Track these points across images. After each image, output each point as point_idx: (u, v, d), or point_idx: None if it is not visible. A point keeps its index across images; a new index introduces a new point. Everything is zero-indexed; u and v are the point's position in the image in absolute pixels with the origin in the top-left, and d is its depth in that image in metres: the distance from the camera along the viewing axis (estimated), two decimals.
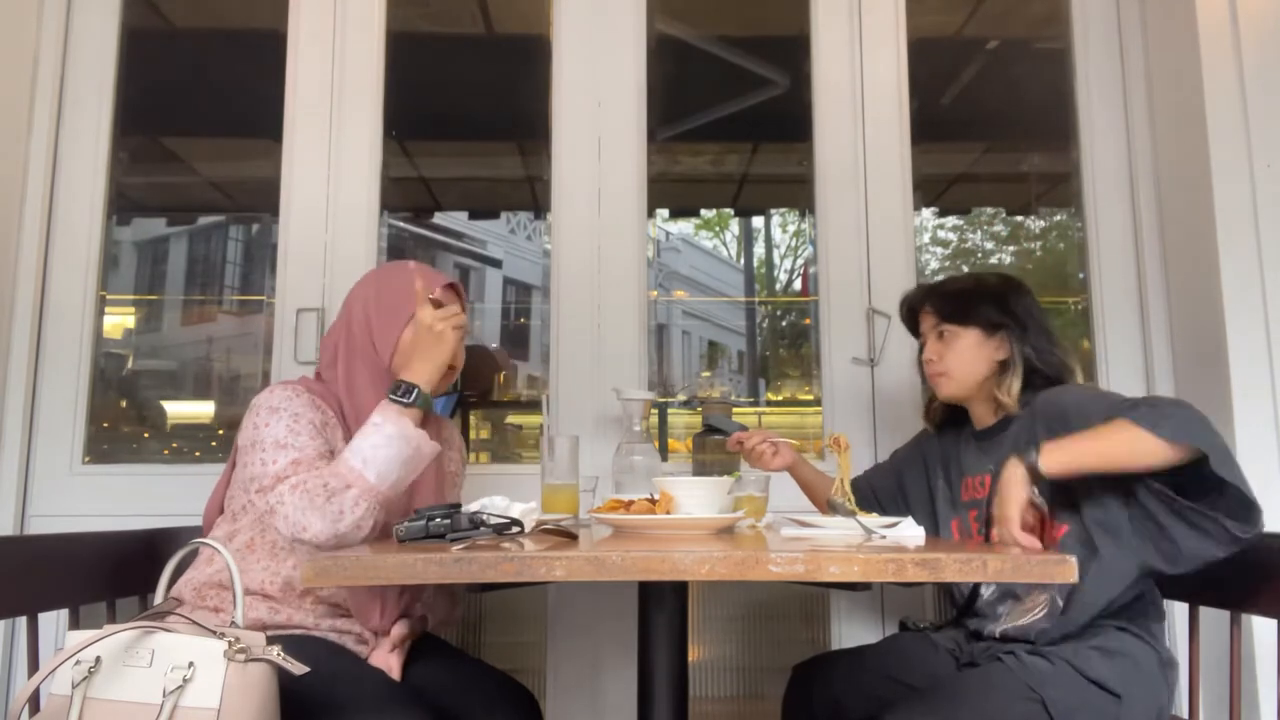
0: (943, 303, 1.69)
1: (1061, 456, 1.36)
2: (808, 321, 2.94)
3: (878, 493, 1.87)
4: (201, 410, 2.94)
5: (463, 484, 1.81)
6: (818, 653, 1.83)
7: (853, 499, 1.65)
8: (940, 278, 1.81)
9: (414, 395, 1.45)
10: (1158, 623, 1.53)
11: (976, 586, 1.66)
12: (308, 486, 1.36)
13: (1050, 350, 1.61)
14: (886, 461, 1.93)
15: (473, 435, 3.81)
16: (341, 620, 1.52)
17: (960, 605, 1.71)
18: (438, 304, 1.56)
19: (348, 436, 1.54)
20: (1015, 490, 1.39)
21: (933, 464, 1.78)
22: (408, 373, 1.48)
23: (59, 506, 2.20)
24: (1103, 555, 1.44)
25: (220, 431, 2.74)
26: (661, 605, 1.31)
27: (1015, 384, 1.60)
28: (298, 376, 1.66)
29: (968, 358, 1.65)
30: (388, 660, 1.51)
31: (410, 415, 1.44)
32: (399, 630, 1.55)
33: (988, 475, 1.62)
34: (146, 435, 2.71)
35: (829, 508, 1.74)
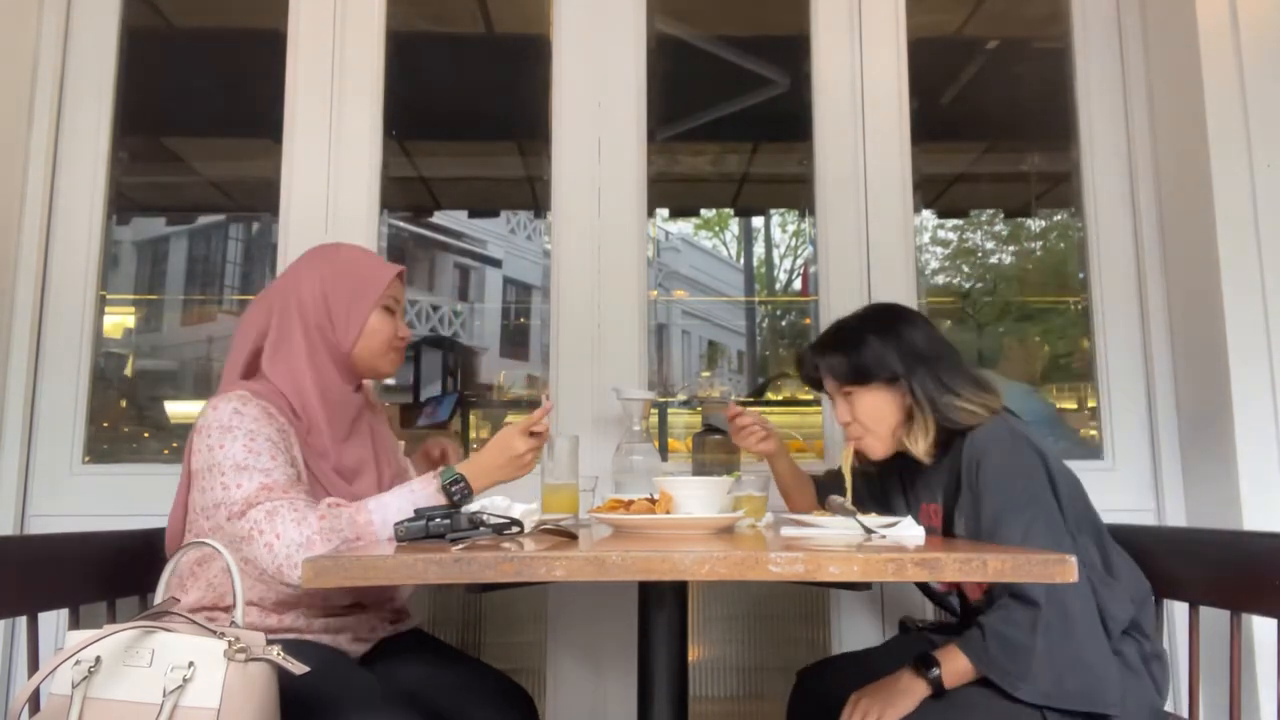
0: (837, 364, 1.62)
1: (957, 678, 1.42)
2: (808, 321, 2.94)
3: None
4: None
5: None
6: (819, 653, 1.84)
7: (850, 494, 1.65)
8: (826, 331, 1.71)
9: (459, 493, 1.46)
10: (1147, 618, 1.53)
11: (964, 601, 1.66)
12: (315, 523, 1.34)
13: (940, 395, 1.54)
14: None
15: (472, 435, 3.81)
16: (334, 620, 1.51)
17: (958, 617, 1.71)
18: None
19: (300, 434, 1.50)
20: (904, 705, 1.40)
21: (897, 481, 1.75)
22: (472, 476, 1.48)
23: (59, 506, 2.20)
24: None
25: None
26: (661, 605, 1.31)
27: (920, 438, 1.56)
28: (236, 380, 1.57)
29: (884, 413, 1.59)
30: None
31: (442, 497, 1.45)
32: None
33: (936, 505, 1.62)
34: (146, 435, 2.71)
35: (828, 507, 1.74)
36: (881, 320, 1.65)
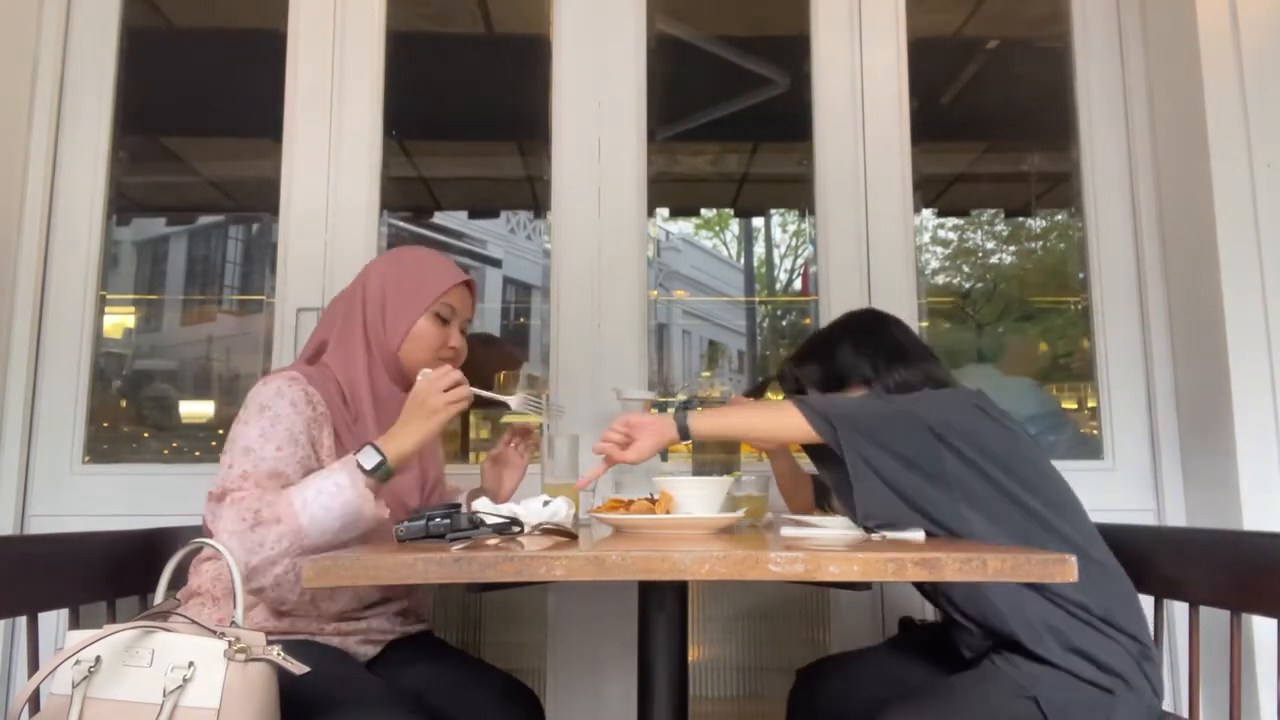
0: (812, 372, 1.67)
1: (710, 422, 1.48)
2: (808, 321, 2.94)
3: None
4: (201, 410, 2.94)
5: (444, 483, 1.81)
6: (819, 653, 1.84)
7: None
8: (803, 343, 1.77)
9: (377, 466, 1.39)
10: (1134, 616, 1.53)
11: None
12: (241, 507, 1.34)
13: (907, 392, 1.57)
14: None
15: (472, 435, 3.80)
16: (346, 624, 1.51)
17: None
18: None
19: (342, 422, 1.52)
20: (652, 434, 1.45)
21: None
22: (390, 438, 1.43)
23: (59, 506, 2.20)
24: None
25: (220, 431, 2.73)
26: (661, 605, 1.31)
27: None
28: (300, 362, 1.63)
29: None
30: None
31: (367, 479, 1.39)
32: None
33: None
34: (146, 435, 2.71)
35: (828, 508, 1.74)
36: (853, 327, 1.70)
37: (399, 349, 1.59)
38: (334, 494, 1.36)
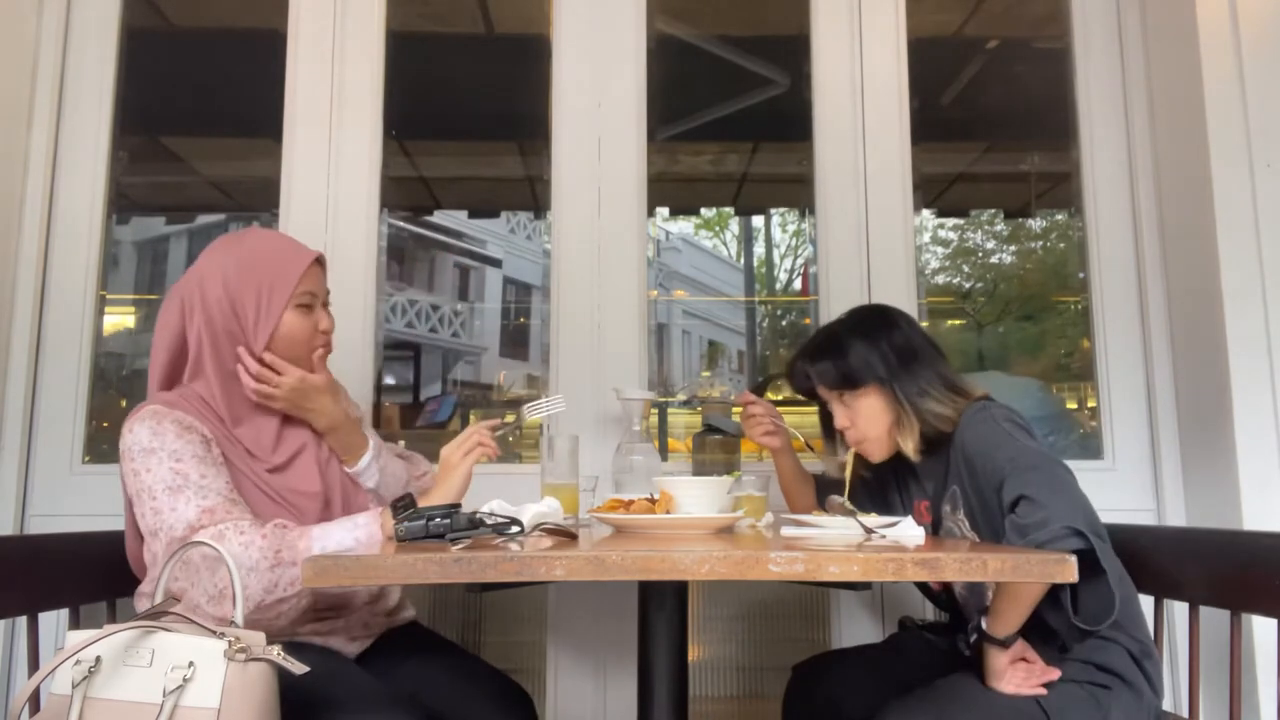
0: (826, 371, 1.63)
1: (1006, 626, 1.41)
2: (808, 321, 2.94)
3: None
4: None
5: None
6: (818, 652, 1.84)
7: (848, 491, 1.65)
8: (812, 338, 1.71)
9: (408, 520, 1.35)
10: (1135, 615, 1.53)
11: (955, 605, 1.66)
12: (260, 544, 1.31)
13: (918, 398, 1.57)
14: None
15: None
16: (322, 624, 1.50)
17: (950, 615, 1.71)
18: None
19: (222, 435, 1.45)
20: (1003, 676, 1.41)
21: (892, 480, 1.77)
22: (425, 496, 1.45)
23: (59, 506, 2.20)
24: None
25: None
26: (661, 605, 1.31)
27: (909, 438, 1.57)
28: (155, 391, 1.50)
29: (879, 416, 1.61)
30: None
31: (387, 531, 1.36)
32: None
33: (928, 500, 1.64)
34: None
35: (828, 508, 1.74)
36: (865, 324, 1.67)
37: (267, 352, 1.46)
38: (352, 548, 1.35)
